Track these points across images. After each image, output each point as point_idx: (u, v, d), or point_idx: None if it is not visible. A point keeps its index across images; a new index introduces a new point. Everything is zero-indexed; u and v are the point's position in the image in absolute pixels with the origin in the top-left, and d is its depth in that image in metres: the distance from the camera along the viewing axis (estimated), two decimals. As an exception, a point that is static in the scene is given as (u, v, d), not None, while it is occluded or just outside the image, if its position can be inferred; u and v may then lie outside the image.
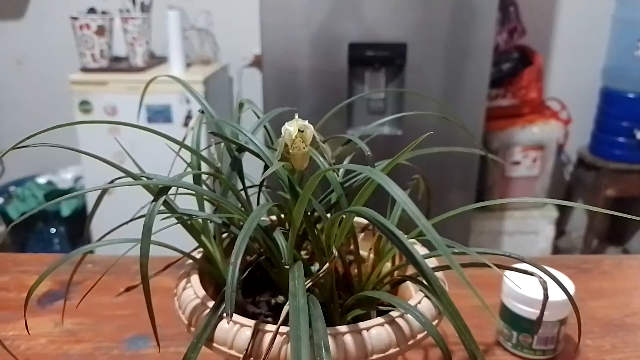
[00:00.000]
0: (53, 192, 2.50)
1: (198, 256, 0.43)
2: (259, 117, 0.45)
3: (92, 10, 2.16)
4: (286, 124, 0.34)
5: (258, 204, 0.42)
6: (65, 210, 2.46)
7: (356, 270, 0.41)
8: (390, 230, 0.25)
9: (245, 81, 2.48)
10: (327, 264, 0.34)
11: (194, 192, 0.37)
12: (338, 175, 0.42)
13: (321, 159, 0.38)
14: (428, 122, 1.75)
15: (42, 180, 2.56)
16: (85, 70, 2.12)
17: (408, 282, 0.42)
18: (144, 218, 0.33)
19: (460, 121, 0.48)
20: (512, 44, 2.32)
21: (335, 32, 1.70)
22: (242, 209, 0.40)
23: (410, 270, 0.42)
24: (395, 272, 0.42)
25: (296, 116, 0.35)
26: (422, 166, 0.48)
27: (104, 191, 0.40)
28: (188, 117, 2.11)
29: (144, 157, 0.61)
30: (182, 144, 0.40)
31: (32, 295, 0.63)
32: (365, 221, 0.45)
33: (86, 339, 0.58)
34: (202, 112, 0.44)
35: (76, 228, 2.56)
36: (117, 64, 2.21)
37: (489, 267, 0.40)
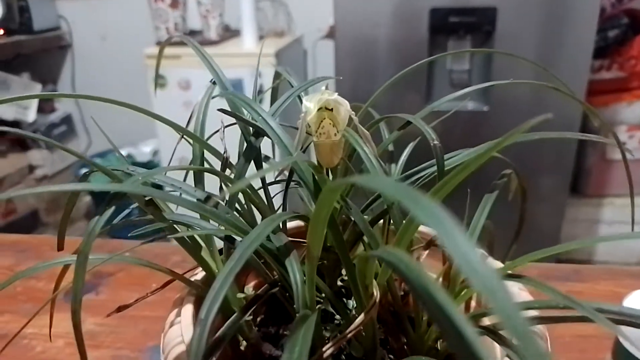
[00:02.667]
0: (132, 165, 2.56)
1: (200, 276, 0.34)
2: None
3: (167, -17, 2.14)
4: (304, 99, 0.24)
5: (284, 209, 0.31)
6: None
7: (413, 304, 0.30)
8: (428, 293, 0.13)
9: (320, 53, 2.38)
10: (361, 316, 0.24)
11: (173, 200, 0.28)
12: (390, 169, 0.30)
13: (365, 149, 0.27)
14: (518, 95, 1.56)
15: (122, 153, 2.63)
16: (160, 44, 2.11)
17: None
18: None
19: (567, 87, 0.34)
20: (620, 7, 2.03)
21: (415, -3, 1.54)
22: (259, 215, 0.30)
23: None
24: (472, 308, 0.31)
25: (323, 87, 0.24)
26: (508, 146, 0.36)
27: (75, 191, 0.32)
28: (259, 92, 2.05)
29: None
30: (181, 128, 0.30)
31: (59, 287, 0.56)
32: (430, 231, 0.34)
33: (106, 343, 0.52)
34: (214, 82, 0.35)
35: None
36: (191, 38, 2.18)
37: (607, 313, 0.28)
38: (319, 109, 0.23)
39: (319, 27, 2.30)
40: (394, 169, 0.31)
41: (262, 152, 0.31)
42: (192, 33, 2.25)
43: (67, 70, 2.83)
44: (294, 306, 0.23)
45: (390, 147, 0.33)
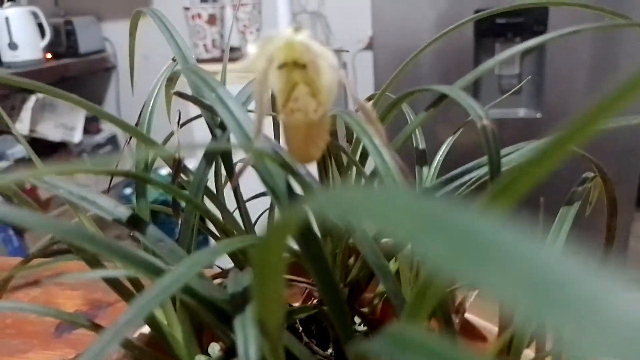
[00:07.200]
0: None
1: (146, 329, 0.25)
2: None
3: (204, 0, 2.13)
4: (251, 43, 0.15)
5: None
6: (185, 201, 2.50)
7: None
8: None
9: (359, 65, 2.31)
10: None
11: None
12: (422, 173, 0.22)
13: (370, 135, 0.18)
14: (574, 100, 1.43)
15: (163, 172, 2.63)
16: (198, 61, 2.10)
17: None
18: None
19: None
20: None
21: None
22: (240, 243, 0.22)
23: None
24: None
25: (291, 28, 0.15)
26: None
27: None
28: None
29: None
30: (126, 126, 0.23)
31: (50, 320, 0.49)
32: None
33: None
34: (175, 59, 0.28)
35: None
36: (229, 54, 2.17)
37: None
38: (282, 65, 0.15)
39: (358, 38, 2.23)
40: (426, 173, 0.23)
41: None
42: (231, 50, 2.24)
43: (112, 92, 2.88)
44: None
45: (422, 145, 0.25)
